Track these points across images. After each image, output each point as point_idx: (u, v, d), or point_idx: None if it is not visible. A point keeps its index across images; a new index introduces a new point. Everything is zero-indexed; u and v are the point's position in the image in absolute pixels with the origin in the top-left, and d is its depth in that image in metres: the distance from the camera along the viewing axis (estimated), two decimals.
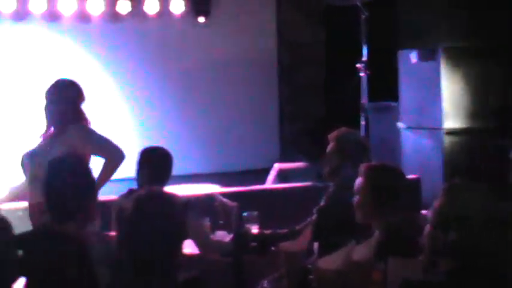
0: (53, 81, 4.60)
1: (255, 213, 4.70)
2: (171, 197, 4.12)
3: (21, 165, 4.58)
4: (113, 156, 4.58)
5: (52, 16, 7.56)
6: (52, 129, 4.57)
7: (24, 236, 3.31)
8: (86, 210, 3.31)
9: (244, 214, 4.67)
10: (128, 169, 4.46)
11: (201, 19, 8.07)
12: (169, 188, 4.20)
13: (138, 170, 4.36)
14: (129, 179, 4.51)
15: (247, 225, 4.61)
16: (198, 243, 4.22)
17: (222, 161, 7.90)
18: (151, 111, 7.91)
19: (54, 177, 3.28)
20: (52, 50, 7.64)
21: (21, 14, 7.46)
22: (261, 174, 6.95)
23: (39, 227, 3.33)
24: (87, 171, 3.33)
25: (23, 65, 7.50)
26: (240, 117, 8.17)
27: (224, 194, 5.03)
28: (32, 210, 4.45)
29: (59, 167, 3.29)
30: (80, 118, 4.56)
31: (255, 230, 4.62)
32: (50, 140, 4.52)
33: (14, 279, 3.35)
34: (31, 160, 4.49)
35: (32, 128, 7.25)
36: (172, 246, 3.40)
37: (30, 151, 4.56)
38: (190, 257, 4.27)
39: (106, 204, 4.40)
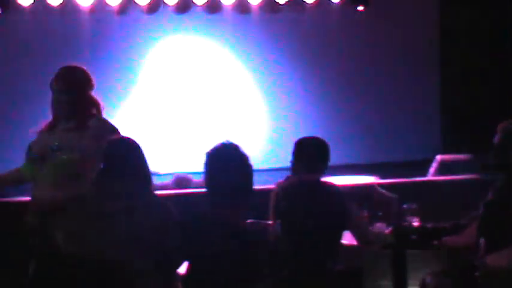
0: (59, 70, 4.26)
1: (415, 205, 4.55)
2: (331, 187, 4.06)
3: (29, 155, 4.24)
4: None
5: (212, 8, 7.70)
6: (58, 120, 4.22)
7: (185, 222, 3.37)
8: (246, 197, 3.31)
9: (404, 206, 4.54)
10: (282, 159, 4.42)
11: (360, 7, 7.95)
12: (326, 179, 4.13)
13: (294, 159, 4.32)
14: (283, 169, 4.48)
15: (408, 218, 4.47)
16: (356, 235, 4.13)
17: (380, 152, 7.74)
18: (308, 101, 7.87)
19: (216, 165, 3.29)
20: (211, 40, 7.76)
21: (183, 6, 7.65)
22: (421, 166, 6.73)
23: (200, 213, 3.36)
24: (246, 159, 3.32)
25: (184, 58, 7.66)
26: (400, 107, 7.97)
27: (383, 185, 4.91)
28: (36, 205, 4.14)
29: (218, 156, 3.31)
30: (94, 106, 4.24)
31: (415, 222, 4.47)
32: (70, 133, 4.16)
33: (178, 264, 3.42)
34: (50, 152, 4.14)
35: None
36: (331, 236, 3.34)
37: (41, 142, 4.21)
38: (349, 248, 4.18)
39: (264, 192, 4.40)
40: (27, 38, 7.10)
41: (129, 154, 3.51)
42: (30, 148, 4.24)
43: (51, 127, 4.24)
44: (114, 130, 4.15)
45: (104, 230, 3.35)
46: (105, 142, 3.83)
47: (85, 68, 4.27)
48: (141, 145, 3.57)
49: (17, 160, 4.32)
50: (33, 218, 4.10)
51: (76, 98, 4.17)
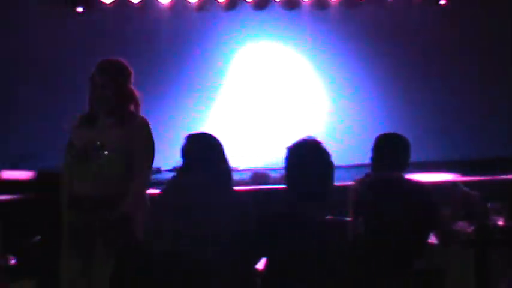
0: (101, 63, 4.12)
1: (500, 204, 4.42)
2: (416, 184, 3.97)
3: (71, 151, 4.10)
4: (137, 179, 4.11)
5: (290, 3, 7.66)
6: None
7: (264, 218, 3.35)
8: (326, 193, 3.27)
9: (489, 205, 4.41)
10: (361, 155, 4.36)
11: (443, 1, 7.78)
12: (408, 176, 4.05)
13: (374, 156, 4.25)
14: (362, 165, 4.41)
15: (492, 217, 4.35)
16: (439, 233, 4.03)
17: (459, 149, 7.55)
18: (384, 100, 7.74)
19: (297, 161, 3.27)
20: (288, 38, 7.72)
21: (261, 2, 7.64)
22: (505, 163, 6.54)
23: (279, 209, 3.34)
24: (328, 155, 3.28)
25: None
26: (481, 102, 7.76)
27: (466, 183, 4.78)
28: (80, 203, 4.04)
29: (300, 151, 3.28)
30: (133, 101, 4.12)
31: (500, 222, 4.34)
32: (112, 130, 4.07)
33: (256, 260, 3.41)
34: (94, 150, 4.06)
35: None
36: (416, 234, 3.26)
37: (83, 138, 4.09)
38: (431, 246, 4.09)
39: (342, 189, 4.34)
40: (108, 36, 7.21)
41: (209, 149, 3.52)
42: (71, 144, 4.10)
43: (91, 121, 4.11)
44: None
45: (183, 226, 3.37)
46: (150, 141, 4.02)
47: (126, 61, 4.15)
48: (220, 141, 3.58)
49: None
50: (75, 217, 4.01)
51: (119, 93, 4.05)
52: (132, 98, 4.12)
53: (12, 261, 4.37)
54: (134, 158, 4.07)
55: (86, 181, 4.02)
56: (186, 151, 3.56)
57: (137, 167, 4.11)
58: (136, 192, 4.07)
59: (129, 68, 4.15)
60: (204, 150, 3.53)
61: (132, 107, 4.11)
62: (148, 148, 4.16)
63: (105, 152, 4.01)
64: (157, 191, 5.27)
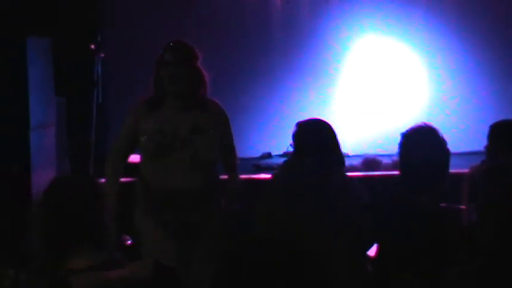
0: (171, 44, 3.89)
1: None
2: None
3: (150, 141, 3.83)
4: (235, 157, 4.10)
5: None
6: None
7: (378, 204, 3.32)
8: (442, 181, 3.20)
9: None
10: (471, 142, 4.23)
11: None
12: None
13: (490, 143, 4.15)
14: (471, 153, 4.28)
15: None
16: None
17: None
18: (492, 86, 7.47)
19: (413, 148, 3.21)
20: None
21: None
22: None
23: (393, 195, 3.29)
24: (444, 143, 3.21)
25: None
26: None
27: None
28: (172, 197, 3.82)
29: (416, 138, 3.22)
30: (204, 83, 3.90)
31: None
32: (190, 113, 3.86)
33: (368, 246, 3.39)
34: (163, 136, 3.81)
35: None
36: None
37: (156, 126, 3.84)
38: None
39: (454, 176, 4.24)
40: (223, 19, 7.24)
41: (320, 136, 3.51)
42: (147, 131, 3.80)
43: (157, 106, 3.86)
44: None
45: (296, 212, 3.37)
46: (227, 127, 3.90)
47: None
48: (332, 126, 3.56)
49: None
50: (171, 216, 3.82)
51: (192, 73, 3.83)
52: (203, 81, 3.89)
53: (129, 242, 4.51)
54: (224, 141, 3.98)
55: (176, 170, 3.78)
56: (297, 138, 3.55)
57: (230, 148, 4.07)
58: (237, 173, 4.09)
59: (197, 51, 3.92)
60: (315, 136, 3.52)
61: (201, 90, 3.91)
62: (230, 129, 4.08)
63: (202, 139, 3.81)
64: (268, 175, 5.33)
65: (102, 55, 6.14)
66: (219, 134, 3.92)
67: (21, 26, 5.35)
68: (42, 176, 5.13)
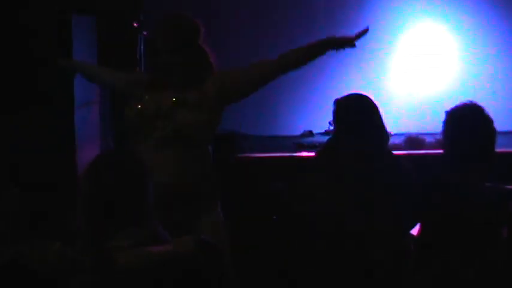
0: (163, 22, 3.34)
1: None
2: None
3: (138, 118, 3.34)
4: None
5: None
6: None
7: (422, 183, 3.28)
8: (487, 161, 3.16)
9: None
10: None
11: None
12: None
13: None
14: None
15: None
16: None
17: None
18: None
19: (458, 126, 3.17)
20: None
21: None
22: None
23: (438, 174, 3.26)
24: (490, 121, 3.16)
25: None
26: None
27: None
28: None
29: (461, 116, 3.17)
30: (210, 66, 3.39)
31: None
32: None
33: (412, 226, 3.37)
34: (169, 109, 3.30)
35: None
36: None
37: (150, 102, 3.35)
38: None
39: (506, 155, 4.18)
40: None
41: (362, 110, 3.44)
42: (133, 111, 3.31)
43: (156, 89, 3.34)
44: None
45: (343, 191, 3.35)
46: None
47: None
48: (375, 102, 3.49)
49: None
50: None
51: (191, 58, 3.29)
52: (206, 66, 3.37)
53: None
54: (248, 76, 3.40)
55: (161, 154, 3.23)
56: (337, 115, 3.48)
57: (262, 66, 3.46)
58: None
59: (196, 23, 3.36)
60: (356, 113, 3.44)
61: (205, 75, 3.36)
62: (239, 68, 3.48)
63: (187, 114, 3.24)
64: (310, 154, 5.32)
65: (145, 33, 6.17)
66: (215, 111, 3.37)
67: (66, 4, 5.40)
68: (86, 154, 5.19)
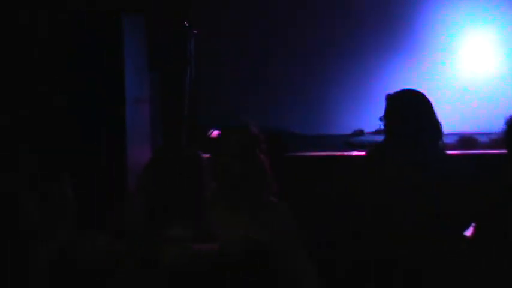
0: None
1: None
2: None
3: None
4: None
5: None
6: None
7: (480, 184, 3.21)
8: None
9: None
10: None
11: None
12: None
13: None
14: None
15: None
16: None
17: None
18: None
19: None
20: None
21: None
22: None
23: (495, 176, 3.18)
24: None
25: None
26: None
27: None
28: None
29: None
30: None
31: None
32: None
33: (466, 226, 3.29)
34: None
35: None
36: None
37: None
38: None
39: None
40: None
41: (420, 108, 3.35)
42: None
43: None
44: None
45: (392, 193, 3.29)
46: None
47: None
48: (428, 98, 3.40)
49: None
50: None
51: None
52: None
53: None
54: None
55: None
56: (387, 112, 3.41)
57: None
58: None
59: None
60: (407, 110, 3.37)
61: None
62: None
63: None
64: (360, 153, 5.26)
65: (196, 31, 6.19)
66: None
67: (117, 2, 5.45)
68: (137, 151, 5.23)
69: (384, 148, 3.41)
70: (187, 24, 6.16)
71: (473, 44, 7.06)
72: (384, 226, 3.22)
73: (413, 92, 3.40)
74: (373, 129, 6.53)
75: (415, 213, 3.20)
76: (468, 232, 3.30)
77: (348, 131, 6.76)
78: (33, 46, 5.09)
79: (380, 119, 3.42)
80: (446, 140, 5.81)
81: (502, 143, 3.09)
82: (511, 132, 3.06)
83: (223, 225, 2.82)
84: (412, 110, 3.33)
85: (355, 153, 5.62)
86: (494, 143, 5.35)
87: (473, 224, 3.24)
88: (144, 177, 2.55)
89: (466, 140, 5.96)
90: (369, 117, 6.61)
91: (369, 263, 3.25)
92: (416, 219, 3.19)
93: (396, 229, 3.19)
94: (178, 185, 2.49)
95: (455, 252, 3.27)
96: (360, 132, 6.75)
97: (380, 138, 3.67)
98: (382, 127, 3.56)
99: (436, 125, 3.32)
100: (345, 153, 5.67)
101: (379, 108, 3.71)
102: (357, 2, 7.05)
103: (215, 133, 4.12)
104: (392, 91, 3.44)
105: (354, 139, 6.44)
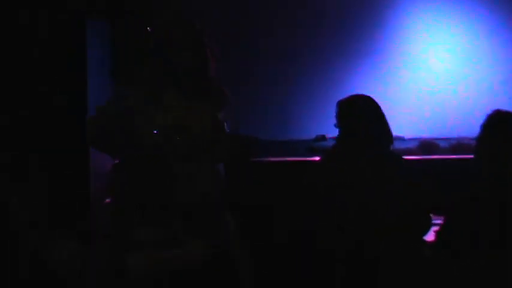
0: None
1: None
2: None
3: None
4: None
5: None
6: None
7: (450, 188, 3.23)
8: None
9: None
10: None
11: None
12: None
13: None
14: None
15: None
16: None
17: None
18: None
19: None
20: None
21: None
22: None
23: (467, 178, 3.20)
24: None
25: None
26: None
27: None
28: None
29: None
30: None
31: None
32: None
33: (426, 230, 3.31)
34: None
35: None
36: None
37: None
38: None
39: None
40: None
41: (359, 111, 3.38)
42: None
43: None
44: None
45: (344, 199, 3.30)
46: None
47: None
48: (375, 102, 3.43)
49: None
50: None
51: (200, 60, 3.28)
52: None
53: None
54: None
55: None
56: (339, 118, 3.45)
57: None
58: None
59: (197, 28, 3.31)
60: (353, 114, 3.40)
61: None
62: None
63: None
64: (317, 158, 5.29)
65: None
66: None
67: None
68: (100, 161, 5.19)
69: (335, 153, 3.46)
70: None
71: (434, 48, 7.14)
72: (342, 227, 3.26)
73: (363, 97, 3.45)
74: (336, 135, 6.57)
75: (370, 215, 3.24)
76: (429, 237, 3.33)
77: (311, 136, 6.79)
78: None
79: (334, 125, 3.48)
80: (407, 145, 5.89)
81: (474, 139, 3.13)
82: (489, 129, 3.10)
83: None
84: (361, 115, 3.38)
85: (317, 158, 5.64)
86: (454, 148, 5.42)
87: (433, 229, 3.27)
88: (113, 178, 2.53)
89: (426, 145, 6.03)
90: (331, 122, 6.66)
91: (331, 261, 3.27)
92: (371, 221, 3.23)
93: (353, 230, 3.23)
94: (148, 187, 2.49)
95: (415, 254, 3.30)
96: (322, 138, 6.78)
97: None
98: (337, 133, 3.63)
99: (385, 128, 3.36)
100: (308, 159, 5.69)
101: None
102: (318, 5, 7.08)
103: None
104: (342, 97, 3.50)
105: (317, 144, 6.46)
